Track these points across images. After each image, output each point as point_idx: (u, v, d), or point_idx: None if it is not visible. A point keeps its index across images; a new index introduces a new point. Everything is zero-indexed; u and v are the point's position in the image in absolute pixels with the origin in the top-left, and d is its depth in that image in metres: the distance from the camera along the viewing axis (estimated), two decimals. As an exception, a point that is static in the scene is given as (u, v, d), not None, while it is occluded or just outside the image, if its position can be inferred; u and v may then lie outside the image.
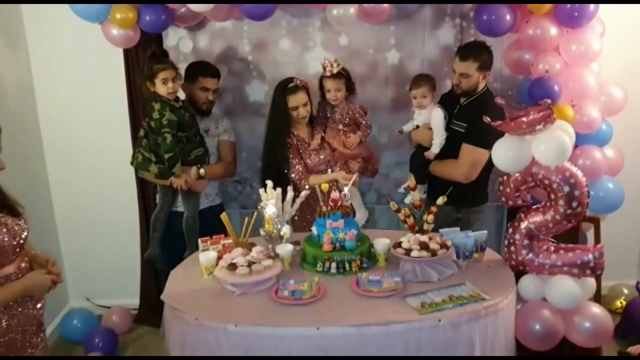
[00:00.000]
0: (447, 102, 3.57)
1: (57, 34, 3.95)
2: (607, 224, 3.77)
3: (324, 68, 3.49)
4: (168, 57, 3.40)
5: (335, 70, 3.48)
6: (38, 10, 3.92)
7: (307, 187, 3.26)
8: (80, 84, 4.06)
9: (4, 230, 2.24)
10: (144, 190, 4.05)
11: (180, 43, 3.93)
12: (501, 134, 2.80)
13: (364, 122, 3.60)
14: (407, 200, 3.40)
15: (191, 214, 3.54)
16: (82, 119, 4.12)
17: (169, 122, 3.30)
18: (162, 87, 3.31)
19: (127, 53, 3.83)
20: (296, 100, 3.49)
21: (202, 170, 3.46)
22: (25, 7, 3.95)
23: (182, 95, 3.53)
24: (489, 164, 3.11)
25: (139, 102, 3.89)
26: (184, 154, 3.39)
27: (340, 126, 3.59)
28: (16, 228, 2.30)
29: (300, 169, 3.54)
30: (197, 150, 3.46)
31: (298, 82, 3.52)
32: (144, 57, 3.74)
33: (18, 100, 3.92)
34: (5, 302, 2.22)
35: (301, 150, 3.57)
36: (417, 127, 3.59)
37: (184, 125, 3.37)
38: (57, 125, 4.16)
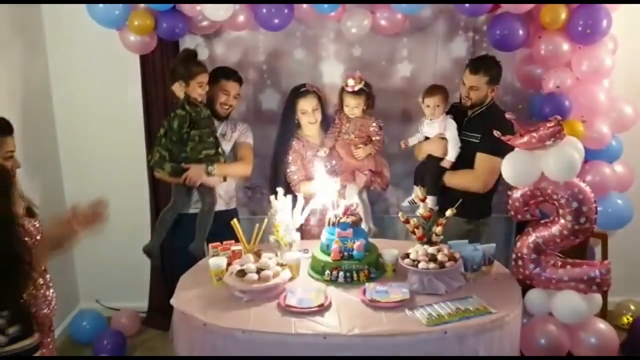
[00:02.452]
0: (455, 113, 3.58)
1: (75, 40, 4.02)
2: (616, 240, 3.77)
3: (347, 84, 3.53)
4: (197, 57, 3.44)
5: (357, 88, 3.51)
6: (58, 16, 3.99)
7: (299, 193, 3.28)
8: (96, 89, 4.12)
9: (22, 231, 2.28)
10: (157, 193, 4.08)
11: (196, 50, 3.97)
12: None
13: (377, 137, 3.64)
14: (406, 202, 3.41)
15: (207, 207, 3.54)
16: (98, 122, 4.18)
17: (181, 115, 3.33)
18: (198, 89, 3.35)
19: (143, 59, 3.88)
20: (305, 103, 3.55)
21: (210, 167, 3.44)
22: (45, 13, 4.02)
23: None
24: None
25: (154, 106, 3.95)
26: (194, 152, 3.39)
27: (352, 136, 3.62)
28: (32, 229, 2.34)
29: (298, 174, 3.57)
30: (208, 150, 3.43)
31: (309, 87, 3.57)
32: (160, 63, 3.81)
33: (35, 103, 3.98)
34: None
35: (305, 156, 3.62)
36: (427, 138, 3.60)
37: (198, 122, 3.36)
38: (72, 128, 4.22)
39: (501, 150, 3.07)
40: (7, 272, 1.96)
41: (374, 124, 3.64)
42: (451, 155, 3.48)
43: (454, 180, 3.50)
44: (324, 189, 3.14)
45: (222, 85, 3.58)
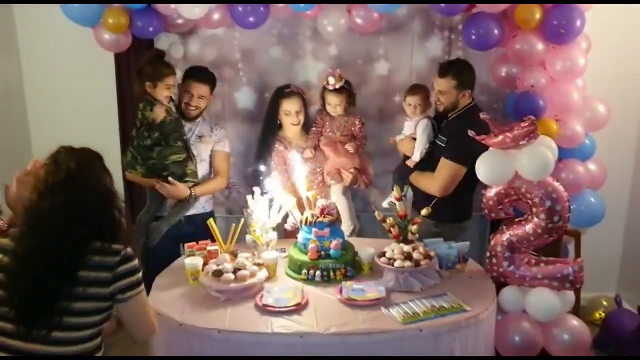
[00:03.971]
0: (440, 117, 3.58)
1: (48, 37, 3.96)
2: (589, 237, 3.82)
3: (328, 82, 3.53)
4: (165, 58, 3.39)
5: (337, 85, 3.53)
6: (30, 13, 3.93)
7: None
8: (70, 87, 4.07)
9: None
10: (132, 193, 4.04)
11: (171, 48, 3.94)
12: (481, 152, 2.85)
13: (361, 134, 3.66)
14: (385, 204, 3.43)
15: (192, 199, 3.51)
16: (72, 121, 4.11)
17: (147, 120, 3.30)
18: (165, 91, 3.30)
19: (117, 57, 3.84)
20: (289, 104, 3.55)
21: (193, 194, 3.44)
22: (17, 10, 3.96)
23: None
24: (473, 181, 3.11)
25: (129, 105, 3.88)
26: (160, 157, 3.34)
27: (338, 134, 3.63)
28: None
29: (280, 177, 3.56)
30: (176, 155, 3.37)
31: (294, 88, 3.56)
32: (135, 61, 3.75)
33: (8, 101, 3.93)
34: None
35: (287, 158, 3.61)
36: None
37: (162, 127, 3.32)
38: (46, 127, 4.15)
39: (464, 157, 3.10)
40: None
41: (357, 122, 3.66)
42: (415, 156, 3.50)
43: (416, 180, 3.49)
44: (301, 190, 3.16)
45: (186, 84, 3.50)
